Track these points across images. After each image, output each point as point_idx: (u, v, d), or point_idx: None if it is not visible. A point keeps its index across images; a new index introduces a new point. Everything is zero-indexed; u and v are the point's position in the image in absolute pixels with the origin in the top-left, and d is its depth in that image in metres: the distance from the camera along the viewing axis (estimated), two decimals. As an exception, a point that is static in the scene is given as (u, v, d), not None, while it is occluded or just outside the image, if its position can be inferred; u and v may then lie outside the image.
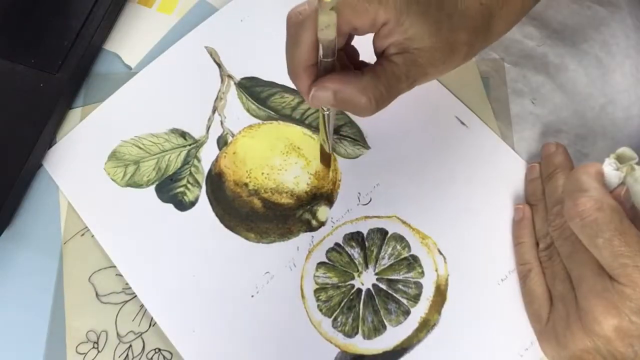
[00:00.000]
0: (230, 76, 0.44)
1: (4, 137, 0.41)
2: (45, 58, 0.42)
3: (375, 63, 0.33)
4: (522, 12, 0.35)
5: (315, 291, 0.38)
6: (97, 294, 0.39)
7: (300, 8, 0.31)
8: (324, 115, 0.36)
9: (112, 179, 0.41)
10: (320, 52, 0.30)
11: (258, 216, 0.40)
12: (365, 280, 0.38)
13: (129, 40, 0.45)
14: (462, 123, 0.41)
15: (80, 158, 0.42)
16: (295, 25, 0.31)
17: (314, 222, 0.40)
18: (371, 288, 0.38)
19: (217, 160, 0.41)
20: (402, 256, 0.39)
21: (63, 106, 0.43)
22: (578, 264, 0.32)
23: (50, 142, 0.42)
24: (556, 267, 0.35)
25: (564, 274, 0.34)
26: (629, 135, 0.42)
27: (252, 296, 0.38)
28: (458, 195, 0.40)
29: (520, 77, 0.43)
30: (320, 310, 0.38)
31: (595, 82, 0.43)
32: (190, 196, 0.41)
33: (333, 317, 0.37)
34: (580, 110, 0.42)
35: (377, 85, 0.31)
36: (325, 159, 0.41)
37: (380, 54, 0.33)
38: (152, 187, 0.41)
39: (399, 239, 0.39)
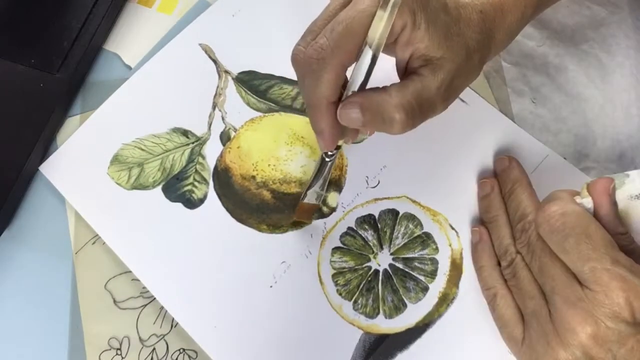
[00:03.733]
0: (227, 71, 0.43)
1: (4, 137, 0.40)
2: (45, 58, 0.42)
3: (402, 79, 0.32)
4: (522, 22, 0.35)
5: (333, 276, 0.38)
6: (114, 301, 0.38)
7: (318, 44, 0.30)
8: (323, 161, 0.35)
9: (117, 183, 0.41)
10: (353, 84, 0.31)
11: (269, 207, 0.40)
12: (382, 261, 0.39)
13: (129, 40, 0.45)
14: (462, 100, 0.42)
15: (83, 165, 0.41)
16: (317, 62, 0.30)
17: (325, 209, 0.40)
18: (388, 268, 0.39)
19: (222, 155, 0.41)
20: (415, 234, 0.39)
21: (63, 106, 0.42)
22: (549, 278, 0.32)
23: (50, 142, 0.42)
24: (523, 284, 0.34)
25: (533, 290, 0.33)
26: (628, 135, 0.42)
27: (271, 286, 0.38)
28: (463, 169, 0.41)
29: (520, 77, 0.43)
30: (340, 294, 0.38)
31: (595, 82, 0.43)
32: (198, 193, 0.40)
33: (353, 299, 0.38)
34: (580, 110, 0.42)
35: (406, 95, 0.30)
36: (306, 211, 0.39)
37: (404, 72, 0.32)
38: (159, 188, 0.41)
39: (411, 217, 0.40)
